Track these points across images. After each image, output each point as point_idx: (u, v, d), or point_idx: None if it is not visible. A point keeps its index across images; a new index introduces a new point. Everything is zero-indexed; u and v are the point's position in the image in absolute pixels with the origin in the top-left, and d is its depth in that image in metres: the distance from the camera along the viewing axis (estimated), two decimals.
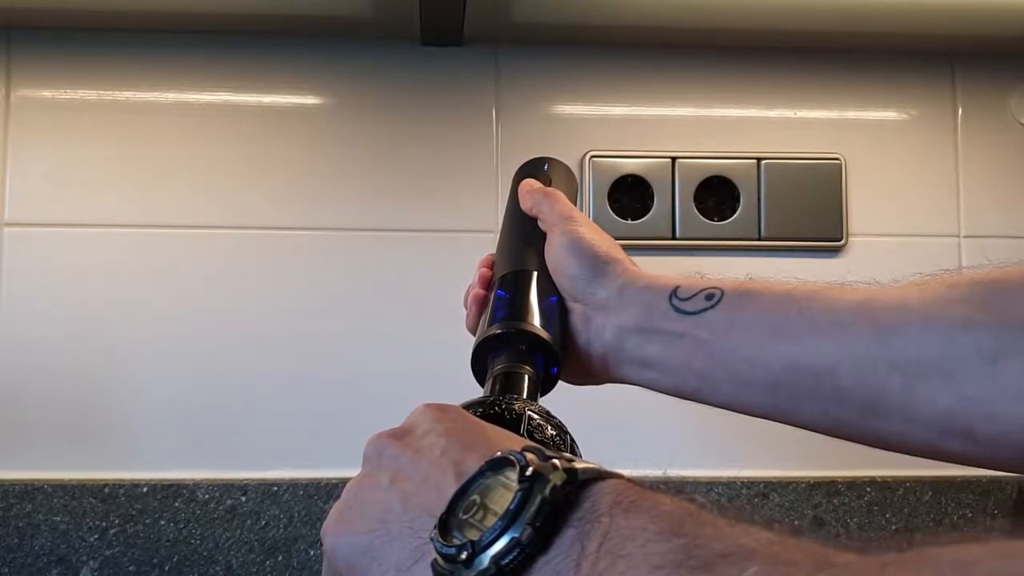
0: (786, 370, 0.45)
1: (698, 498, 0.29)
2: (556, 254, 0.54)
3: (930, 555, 0.23)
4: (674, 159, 0.95)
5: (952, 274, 0.42)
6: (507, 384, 0.50)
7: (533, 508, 0.29)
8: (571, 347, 0.53)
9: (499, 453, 0.32)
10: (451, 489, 0.32)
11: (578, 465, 0.31)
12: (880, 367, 0.41)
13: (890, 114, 1.00)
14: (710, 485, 0.93)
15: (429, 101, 0.95)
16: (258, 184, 0.94)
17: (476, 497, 0.31)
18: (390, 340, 0.93)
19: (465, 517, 0.31)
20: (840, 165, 0.97)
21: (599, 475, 0.31)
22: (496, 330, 0.53)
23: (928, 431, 0.41)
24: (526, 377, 0.51)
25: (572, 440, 0.48)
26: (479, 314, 0.56)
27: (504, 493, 0.30)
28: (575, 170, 0.96)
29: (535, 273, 0.55)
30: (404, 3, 0.86)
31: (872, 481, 0.94)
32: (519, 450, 0.31)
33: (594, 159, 0.95)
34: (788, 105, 0.98)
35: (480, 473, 0.32)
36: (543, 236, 0.56)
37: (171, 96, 0.94)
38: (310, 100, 0.95)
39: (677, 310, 0.49)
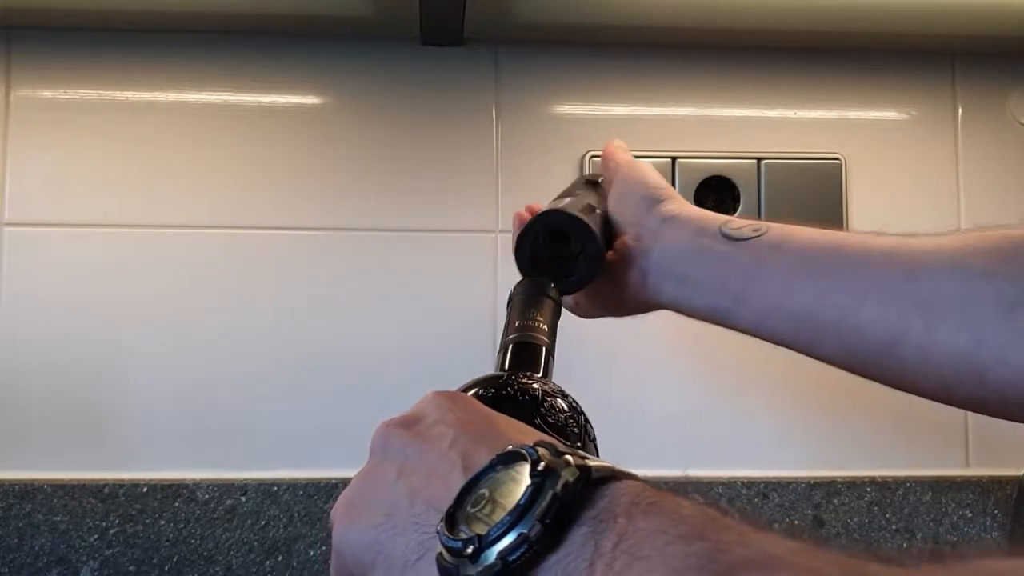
0: (816, 299, 0.47)
1: (720, 504, 0.29)
2: (625, 181, 0.60)
3: (964, 571, 0.23)
4: (674, 159, 0.95)
5: (988, 229, 0.44)
6: (521, 356, 0.50)
7: (544, 504, 0.28)
8: (614, 264, 0.57)
9: (511, 447, 0.31)
10: (459, 483, 0.31)
11: (592, 463, 0.29)
12: (904, 304, 0.44)
13: (890, 114, 1.00)
14: (710, 485, 0.93)
15: (429, 101, 0.95)
16: (258, 184, 0.94)
17: (485, 491, 0.30)
18: (391, 340, 0.93)
19: (473, 511, 0.30)
20: (840, 165, 0.97)
21: (614, 474, 0.30)
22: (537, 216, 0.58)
23: (942, 372, 0.43)
24: (543, 349, 0.50)
25: (586, 420, 0.47)
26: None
27: (514, 488, 0.29)
28: (575, 170, 0.96)
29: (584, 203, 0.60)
30: (404, 3, 0.86)
31: (872, 481, 0.94)
32: (531, 444, 0.30)
33: (594, 159, 0.95)
34: (788, 105, 0.98)
35: (491, 466, 0.31)
36: (595, 197, 0.61)
37: (171, 96, 0.94)
38: (310, 100, 0.95)
39: (725, 236, 0.53)
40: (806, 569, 0.24)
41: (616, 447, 1.00)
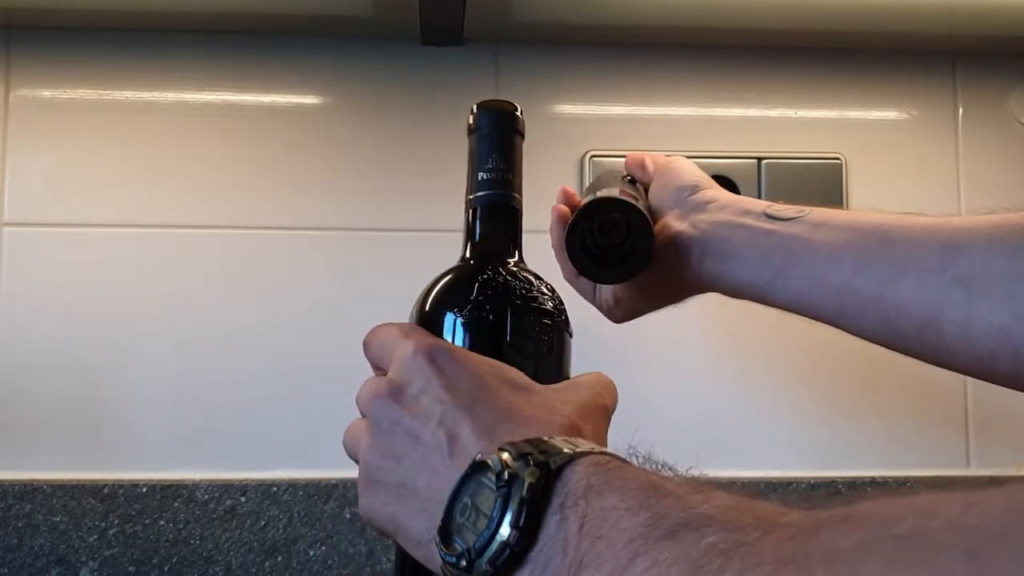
0: (856, 272, 0.48)
1: (664, 471, 0.33)
2: (666, 173, 0.61)
3: (860, 513, 0.24)
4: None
5: None
6: (497, 225, 0.52)
7: (513, 510, 0.31)
8: (666, 248, 0.57)
9: (478, 456, 0.34)
10: (447, 471, 0.36)
11: (551, 452, 0.33)
12: (944, 280, 0.44)
13: (891, 114, 1.00)
14: None
15: (429, 101, 0.95)
16: (257, 184, 0.94)
17: (467, 500, 0.34)
18: None
19: (461, 520, 0.34)
20: (840, 165, 0.97)
21: (572, 457, 0.33)
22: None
23: (981, 347, 0.43)
24: (519, 212, 0.53)
25: (557, 306, 0.49)
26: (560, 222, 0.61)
27: (489, 495, 0.33)
28: (575, 170, 0.96)
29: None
30: (404, 3, 0.86)
31: (872, 481, 0.94)
32: (496, 450, 0.34)
33: (594, 159, 0.95)
34: (788, 105, 0.98)
35: (466, 477, 0.35)
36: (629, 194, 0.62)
37: (171, 96, 0.94)
38: (310, 100, 0.95)
39: (769, 216, 0.54)
40: (733, 525, 0.27)
41: (619, 444, 1.00)
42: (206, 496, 0.89)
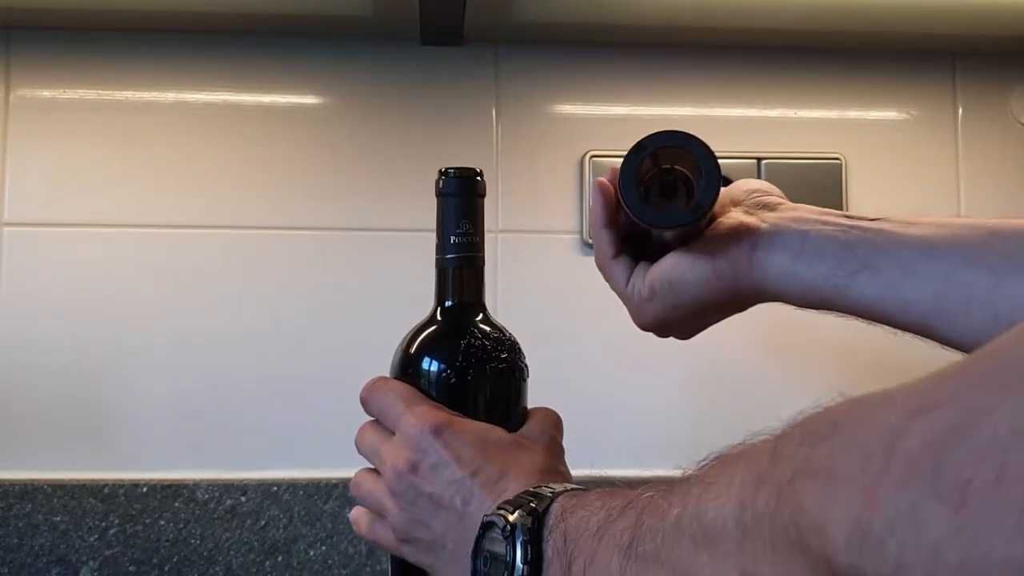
0: (965, 264, 0.43)
1: (616, 486, 0.42)
2: (738, 182, 0.57)
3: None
4: None
5: None
6: (465, 286, 0.61)
7: (520, 554, 0.41)
8: (717, 239, 0.52)
9: (485, 518, 0.44)
10: (467, 529, 0.46)
11: (539, 497, 0.43)
12: None
13: (890, 114, 1.00)
14: None
15: (429, 101, 0.95)
16: (258, 184, 0.94)
17: (486, 552, 0.44)
18: (391, 340, 0.93)
19: (486, 570, 0.43)
20: (840, 165, 0.97)
21: (552, 498, 0.43)
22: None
23: None
24: (482, 269, 0.60)
25: (517, 355, 0.59)
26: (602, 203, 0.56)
27: (500, 544, 0.42)
28: (575, 170, 0.96)
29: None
30: (404, 3, 0.86)
31: None
32: (496, 509, 0.44)
33: (594, 159, 0.95)
34: (788, 105, 0.98)
35: (480, 536, 0.44)
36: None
37: (171, 96, 0.94)
38: (310, 100, 0.95)
39: (848, 217, 0.49)
40: (654, 500, 0.38)
41: (616, 447, 1.00)
42: (206, 496, 0.89)
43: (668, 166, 0.53)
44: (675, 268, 0.53)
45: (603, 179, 0.57)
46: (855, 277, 0.47)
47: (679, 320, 0.55)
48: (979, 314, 0.42)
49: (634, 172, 0.51)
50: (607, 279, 0.59)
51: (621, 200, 0.52)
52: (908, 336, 0.48)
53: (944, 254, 0.44)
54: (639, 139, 0.53)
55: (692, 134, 0.52)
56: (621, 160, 0.52)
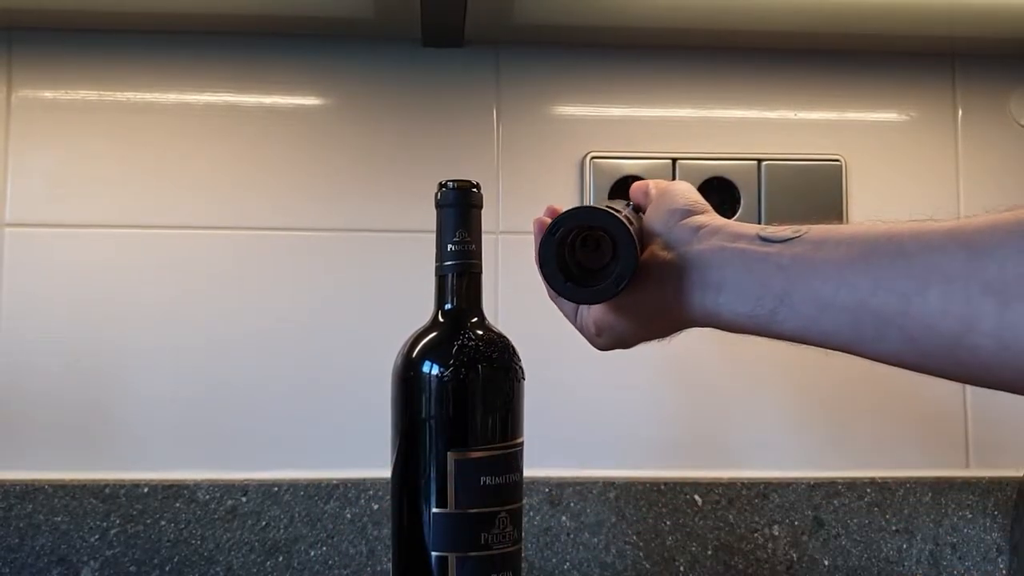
0: (874, 289, 0.43)
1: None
2: (661, 196, 0.57)
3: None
4: (675, 160, 0.95)
5: None
6: (468, 293, 0.67)
7: None
8: (643, 278, 0.53)
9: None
10: None
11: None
12: (972, 289, 0.40)
13: (890, 115, 1.00)
14: (710, 486, 0.93)
15: (430, 102, 0.96)
16: (258, 184, 0.94)
17: None
18: (391, 340, 0.93)
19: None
20: (840, 166, 0.97)
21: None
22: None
23: (1022, 360, 0.39)
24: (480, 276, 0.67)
25: (512, 349, 0.67)
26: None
27: None
28: (576, 171, 0.96)
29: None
30: (405, 4, 0.86)
31: (872, 482, 0.94)
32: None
33: (595, 160, 0.95)
34: (788, 106, 0.98)
35: None
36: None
37: (171, 96, 0.94)
38: (311, 100, 0.96)
39: (763, 239, 0.49)
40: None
41: (617, 446, 1.00)
42: (207, 496, 0.89)
43: (587, 229, 0.53)
44: (607, 315, 0.56)
45: (540, 219, 0.58)
46: (774, 315, 0.47)
47: (636, 342, 0.57)
48: (894, 339, 0.43)
49: (553, 256, 0.52)
50: (560, 311, 0.62)
51: (542, 278, 0.53)
52: None
53: (855, 281, 0.44)
54: (567, 212, 0.52)
55: (600, 209, 0.52)
56: (540, 240, 0.53)
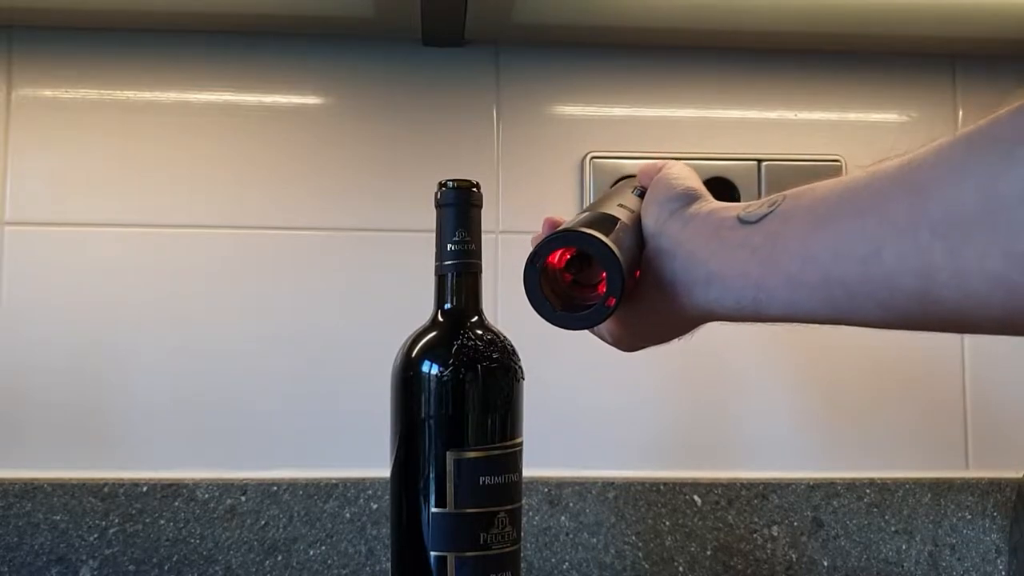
0: (834, 260, 0.40)
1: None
2: (656, 185, 0.55)
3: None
4: (675, 160, 0.95)
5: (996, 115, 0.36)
6: (466, 293, 0.67)
7: None
8: (641, 283, 0.51)
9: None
10: None
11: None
12: (922, 237, 0.36)
13: (890, 116, 1.00)
14: (709, 487, 0.93)
15: (430, 101, 0.96)
16: (258, 184, 0.94)
17: None
18: (391, 340, 0.93)
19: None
20: (840, 166, 0.97)
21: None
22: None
23: (988, 307, 0.34)
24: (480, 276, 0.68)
25: (512, 348, 0.67)
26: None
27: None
28: (575, 171, 0.96)
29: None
30: (405, 3, 0.86)
31: (872, 482, 0.94)
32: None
33: (595, 160, 0.95)
34: (788, 106, 0.98)
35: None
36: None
37: (171, 96, 0.94)
38: (311, 100, 0.96)
39: (741, 221, 0.47)
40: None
41: (616, 446, 1.00)
42: (206, 495, 0.89)
43: (573, 250, 0.51)
44: (617, 327, 0.55)
45: (538, 234, 0.56)
46: (757, 304, 0.46)
47: (659, 342, 0.56)
48: (866, 306, 0.40)
49: (537, 285, 0.49)
50: None
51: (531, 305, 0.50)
52: (901, 337, 0.48)
53: (816, 253, 0.41)
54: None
55: (579, 231, 0.48)
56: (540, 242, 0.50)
